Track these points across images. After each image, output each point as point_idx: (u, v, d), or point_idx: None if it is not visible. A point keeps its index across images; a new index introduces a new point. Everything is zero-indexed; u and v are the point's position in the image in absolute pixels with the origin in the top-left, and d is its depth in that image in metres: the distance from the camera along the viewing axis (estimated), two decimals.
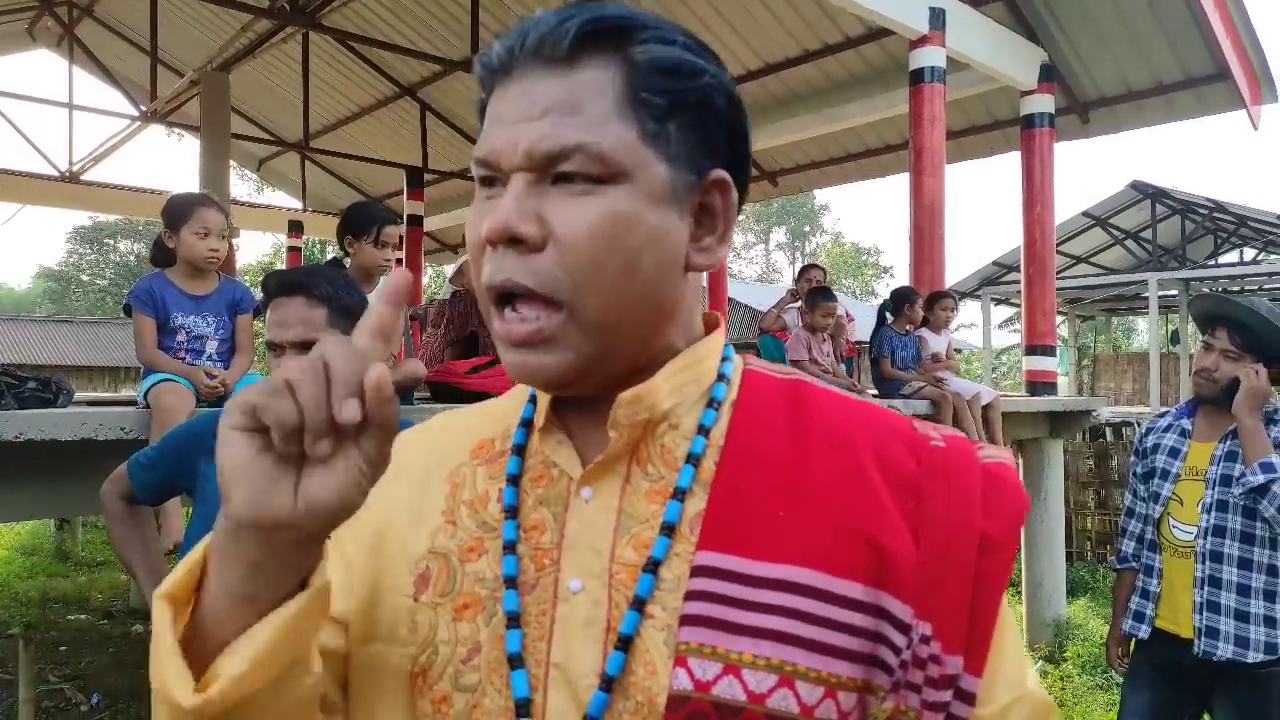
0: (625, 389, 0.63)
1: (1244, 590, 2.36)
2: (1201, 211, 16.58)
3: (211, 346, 2.98)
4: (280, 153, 11.55)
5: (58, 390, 2.87)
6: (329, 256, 4.19)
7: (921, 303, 5.45)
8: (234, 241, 8.72)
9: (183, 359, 2.90)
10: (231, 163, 9.59)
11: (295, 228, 11.80)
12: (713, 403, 0.66)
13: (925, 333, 5.53)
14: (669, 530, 0.61)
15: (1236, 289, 18.24)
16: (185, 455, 1.82)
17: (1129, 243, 17.75)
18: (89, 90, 17.62)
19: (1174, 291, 17.20)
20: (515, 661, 0.60)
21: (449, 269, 4.62)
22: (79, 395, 3.42)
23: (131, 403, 3.11)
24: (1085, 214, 16.64)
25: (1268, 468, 2.32)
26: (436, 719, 0.61)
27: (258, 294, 2.42)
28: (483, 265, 0.61)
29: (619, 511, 0.63)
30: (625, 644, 0.58)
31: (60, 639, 5.80)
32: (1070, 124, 6.83)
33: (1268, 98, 6.15)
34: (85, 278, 40.38)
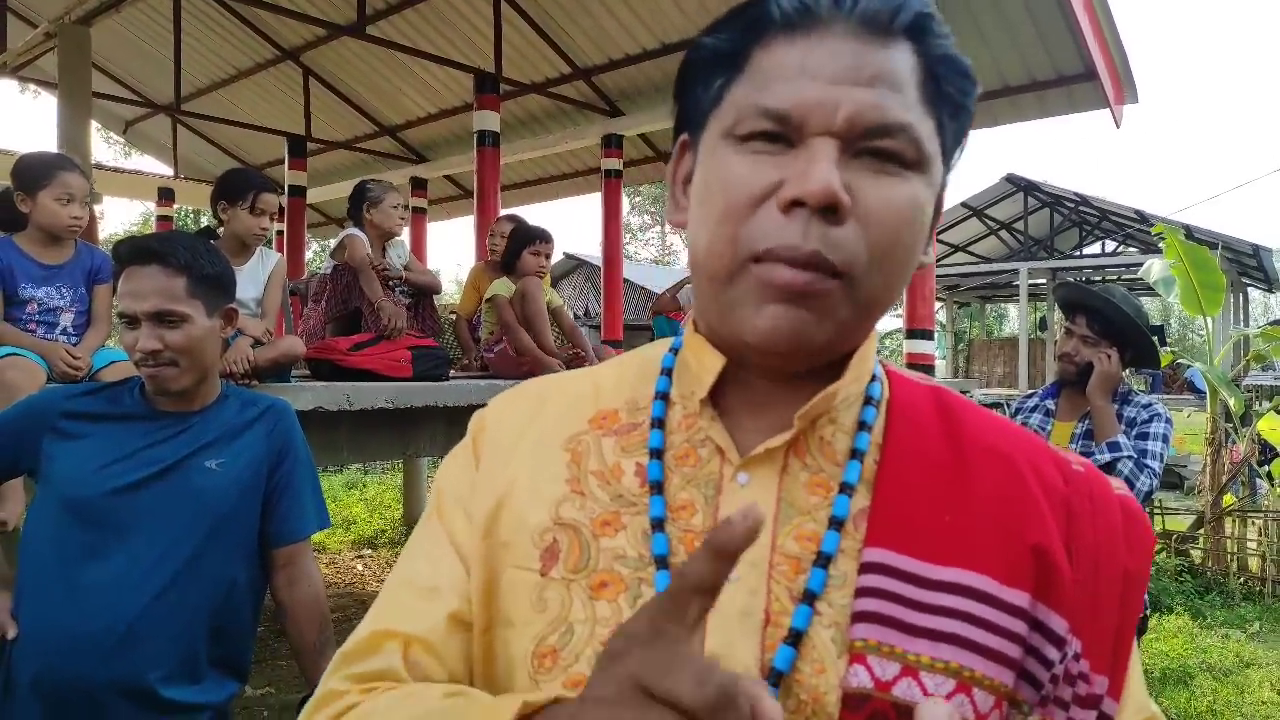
0: (811, 375, 0.62)
1: None
2: (1069, 205, 17.55)
3: (66, 319, 2.78)
4: (149, 115, 10.84)
5: None
6: (202, 225, 3.97)
7: None
8: (97, 208, 8.17)
9: (33, 332, 2.69)
10: (95, 124, 8.95)
11: (166, 195, 11.12)
12: (870, 400, 0.65)
13: None
14: (838, 525, 0.59)
15: (1099, 279, 19.40)
16: (27, 433, 1.68)
17: (1003, 233, 18.64)
18: None
19: (1043, 280, 18.18)
20: None
21: (332, 242, 4.45)
22: None
23: None
24: (964, 204, 17.38)
25: (1114, 447, 2.48)
26: None
27: None
28: (755, 221, 0.57)
29: (778, 500, 0.61)
30: (795, 639, 0.56)
31: None
32: None
33: (1129, 98, 6.52)
34: None
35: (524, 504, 0.65)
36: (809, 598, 0.57)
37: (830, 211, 0.55)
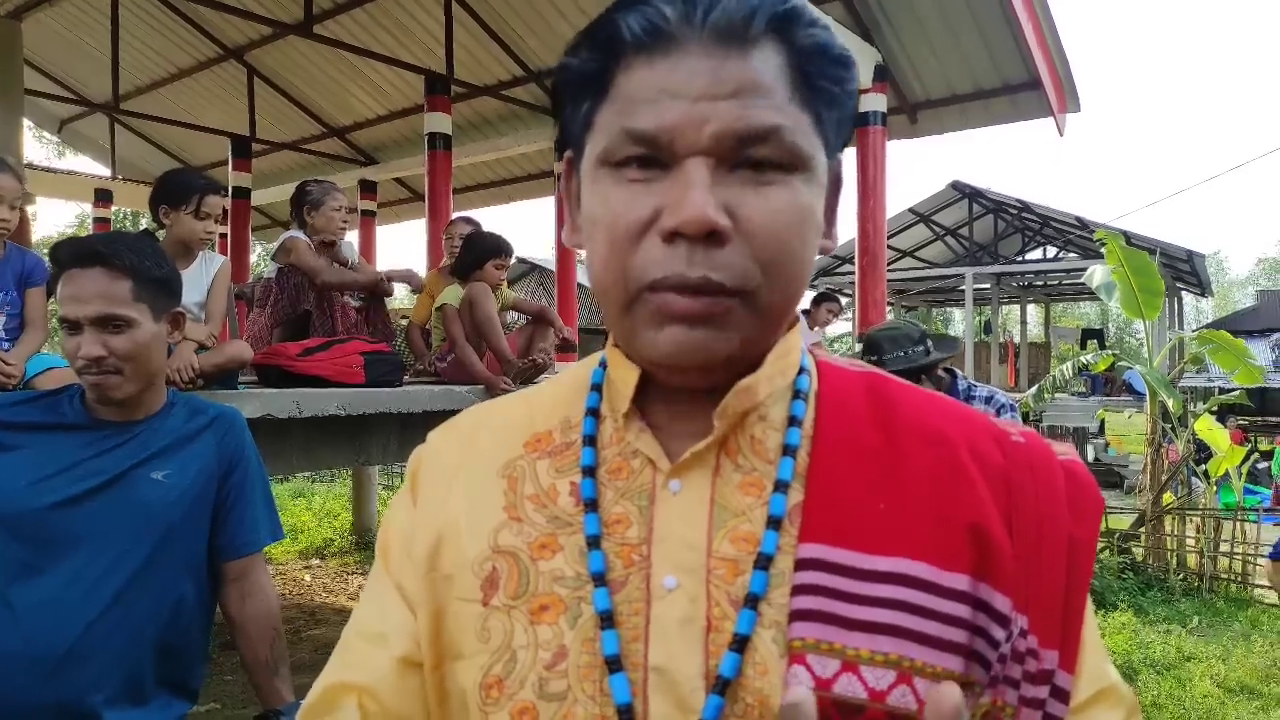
0: (729, 378, 0.61)
1: None
2: (1012, 211, 17.96)
3: None
4: (85, 114, 10.50)
5: None
6: (141, 228, 3.84)
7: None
8: (29, 210, 7.88)
9: None
10: (27, 123, 8.64)
11: (103, 196, 10.77)
12: (799, 394, 0.64)
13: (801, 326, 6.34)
14: (776, 524, 0.58)
15: (1040, 284, 19.86)
16: None
17: (948, 239, 18.99)
18: None
19: (987, 285, 18.58)
20: (614, 665, 0.56)
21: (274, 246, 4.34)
22: None
23: None
24: (911, 210, 17.67)
25: None
26: None
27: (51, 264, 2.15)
28: (641, 253, 0.57)
29: (711, 504, 0.60)
30: (741, 645, 0.55)
31: None
32: (900, 123, 7.18)
33: (1072, 107, 6.68)
34: None
35: (464, 536, 0.64)
36: (752, 601, 0.56)
37: (711, 236, 0.55)
